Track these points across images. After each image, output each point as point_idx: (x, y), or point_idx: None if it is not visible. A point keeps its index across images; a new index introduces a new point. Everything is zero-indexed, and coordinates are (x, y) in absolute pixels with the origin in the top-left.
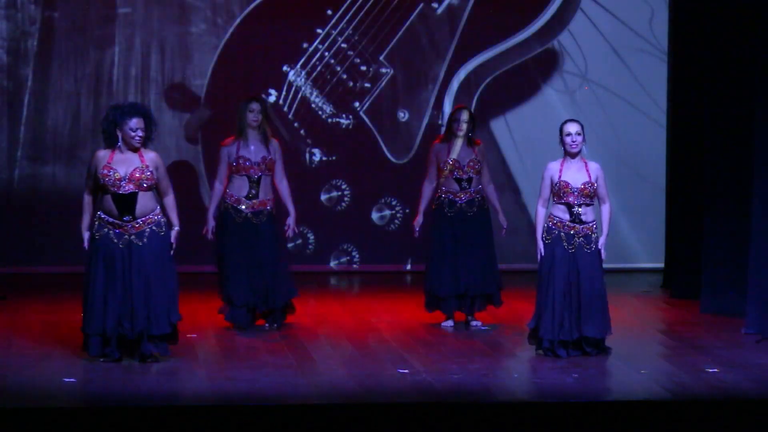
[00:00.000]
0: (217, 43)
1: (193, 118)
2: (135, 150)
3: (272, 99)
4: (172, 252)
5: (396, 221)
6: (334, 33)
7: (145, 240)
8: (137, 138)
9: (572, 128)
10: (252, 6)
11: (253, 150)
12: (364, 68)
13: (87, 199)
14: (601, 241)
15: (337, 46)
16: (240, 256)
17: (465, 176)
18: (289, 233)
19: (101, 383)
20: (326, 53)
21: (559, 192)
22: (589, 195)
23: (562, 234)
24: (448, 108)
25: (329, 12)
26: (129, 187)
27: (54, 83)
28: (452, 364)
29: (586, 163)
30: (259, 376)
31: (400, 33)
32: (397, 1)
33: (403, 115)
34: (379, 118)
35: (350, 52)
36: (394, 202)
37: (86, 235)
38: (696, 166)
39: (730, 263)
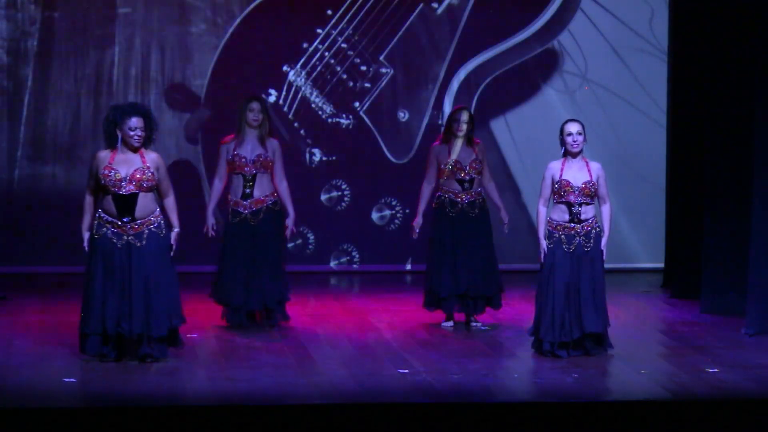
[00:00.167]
0: (217, 43)
1: (193, 118)
2: (135, 150)
3: (272, 99)
4: (171, 253)
5: (396, 221)
6: (334, 33)
7: (144, 241)
8: (136, 137)
9: (573, 128)
10: (252, 6)
11: (250, 148)
12: (364, 68)
13: (88, 200)
14: (603, 241)
15: (337, 46)
16: (238, 258)
17: (467, 177)
18: (287, 234)
19: (101, 383)
20: (326, 53)
21: (560, 191)
22: (590, 194)
23: (563, 236)
24: (448, 108)
25: (329, 12)
26: (130, 188)
27: (54, 83)
28: (452, 364)
29: (587, 162)
30: (259, 376)
31: (400, 33)
32: (397, 1)
33: (403, 115)
34: (379, 118)
35: (350, 52)
36: (394, 202)
37: (86, 235)
38: (696, 166)
39: (730, 263)
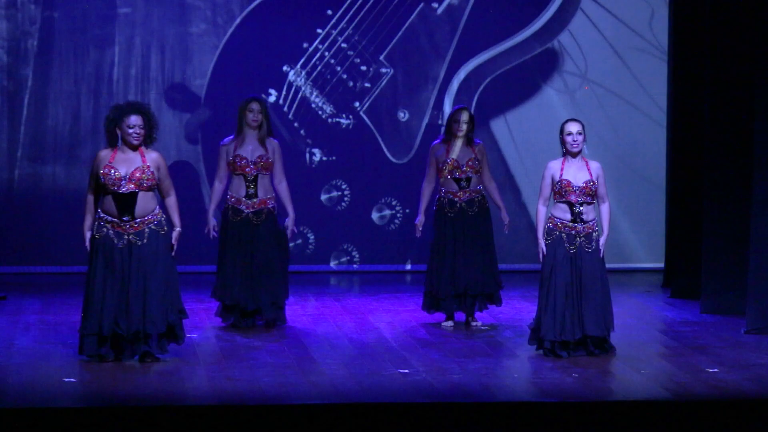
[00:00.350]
0: (217, 43)
1: (193, 118)
2: (134, 148)
3: (272, 99)
4: (173, 253)
5: (396, 221)
6: (335, 33)
7: (145, 240)
8: (135, 135)
9: (573, 128)
10: (252, 6)
11: (251, 149)
12: (364, 68)
13: (89, 200)
14: (602, 240)
15: (337, 46)
16: (237, 256)
17: (464, 176)
18: (288, 234)
19: (101, 383)
20: (326, 53)
21: (560, 191)
22: (591, 194)
23: (563, 235)
24: (448, 108)
25: (329, 12)
26: (129, 187)
27: (54, 83)
28: (452, 364)
29: (587, 162)
30: (259, 376)
31: (400, 33)
32: (397, 1)
33: (403, 115)
34: (379, 118)
35: (350, 52)
36: (394, 202)
37: (88, 235)
38: (696, 166)
39: (730, 263)
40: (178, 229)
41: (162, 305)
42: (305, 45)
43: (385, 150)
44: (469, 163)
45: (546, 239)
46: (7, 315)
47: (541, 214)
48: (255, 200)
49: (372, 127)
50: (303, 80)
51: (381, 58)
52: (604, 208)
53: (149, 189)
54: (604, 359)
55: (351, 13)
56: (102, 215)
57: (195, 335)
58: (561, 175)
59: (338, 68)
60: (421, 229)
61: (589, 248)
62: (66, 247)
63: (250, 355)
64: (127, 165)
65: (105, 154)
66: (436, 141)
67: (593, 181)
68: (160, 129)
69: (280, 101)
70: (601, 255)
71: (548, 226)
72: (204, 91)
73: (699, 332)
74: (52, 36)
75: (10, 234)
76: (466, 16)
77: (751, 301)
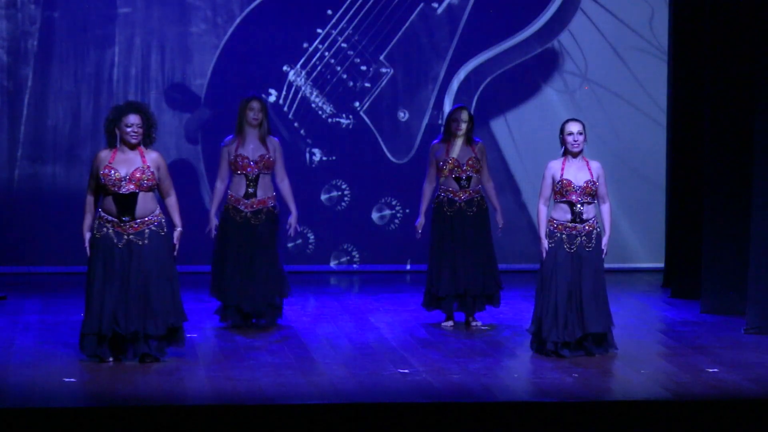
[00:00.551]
0: (217, 43)
1: (193, 118)
2: (133, 147)
3: (272, 99)
4: (175, 253)
5: (396, 221)
6: (335, 33)
7: (145, 240)
8: (133, 133)
9: (574, 128)
10: (252, 6)
11: (252, 148)
12: (364, 68)
13: (89, 200)
14: (604, 241)
15: (337, 45)
16: (235, 256)
17: (464, 175)
18: (291, 232)
19: (101, 383)
20: (326, 53)
21: (561, 190)
22: (591, 193)
23: (564, 236)
24: (448, 108)
25: (329, 12)
26: (129, 187)
27: (54, 83)
28: (452, 364)
29: (587, 161)
30: (259, 376)
31: (400, 33)
32: (397, 1)
33: (403, 115)
34: (379, 118)
35: (350, 52)
36: (394, 202)
37: (87, 235)
38: (696, 166)
39: (730, 263)
40: (179, 228)
41: (162, 307)
42: (305, 45)
43: (385, 150)
44: (470, 162)
45: (548, 242)
46: (7, 315)
47: (542, 213)
48: (254, 200)
49: (372, 127)
50: (303, 80)
51: (381, 58)
52: (605, 208)
53: (149, 189)
54: (604, 359)
55: (351, 13)
56: (102, 215)
57: (195, 335)
58: (562, 175)
59: (338, 68)
60: (420, 231)
61: (589, 247)
62: (66, 247)
63: (250, 355)
64: (127, 165)
65: (105, 154)
66: (436, 141)
67: (594, 181)
68: (160, 129)
69: (280, 101)
70: (604, 255)
71: (549, 229)
72: (204, 91)
73: (699, 332)
74: (52, 36)
75: (10, 234)
76: (466, 16)
77: (751, 301)
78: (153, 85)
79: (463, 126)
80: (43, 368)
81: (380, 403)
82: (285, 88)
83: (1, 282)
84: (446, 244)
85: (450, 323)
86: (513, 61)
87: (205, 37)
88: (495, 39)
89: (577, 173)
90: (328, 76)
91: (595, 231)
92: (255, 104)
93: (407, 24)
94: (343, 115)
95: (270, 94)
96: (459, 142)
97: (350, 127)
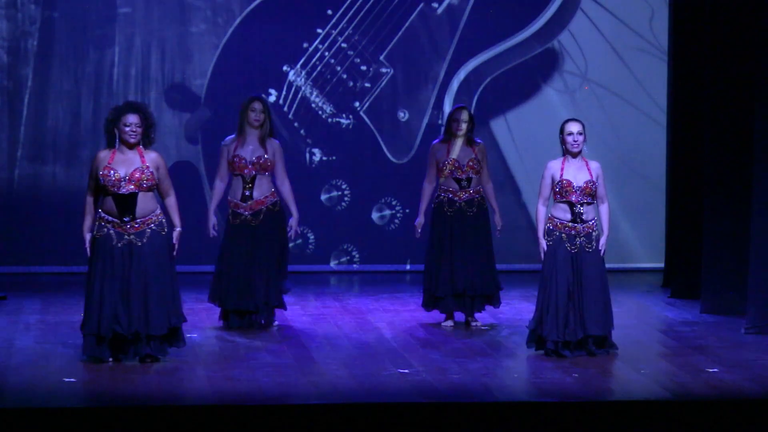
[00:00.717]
0: (217, 43)
1: (193, 118)
2: (131, 146)
3: (272, 99)
4: (174, 253)
5: (396, 221)
6: (334, 33)
7: (145, 240)
8: (131, 133)
9: (574, 128)
10: (252, 6)
11: (251, 149)
12: (364, 68)
13: (89, 201)
14: (602, 241)
15: (337, 45)
16: (238, 259)
17: (464, 176)
18: (291, 235)
19: (101, 383)
20: (326, 53)
21: (561, 191)
22: (591, 194)
23: (564, 235)
24: (448, 108)
25: (329, 12)
26: (129, 188)
27: (54, 83)
28: (452, 364)
29: (587, 162)
30: (259, 376)
31: (400, 33)
32: (397, 1)
33: (403, 115)
34: (379, 118)
35: (350, 52)
36: (394, 202)
37: (87, 236)
38: (696, 166)
39: (730, 263)
40: (178, 228)
41: (163, 307)
42: (305, 45)
43: (385, 150)
44: (470, 162)
45: (546, 240)
46: (7, 315)
47: (541, 214)
48: (251, 202)
49: (372, 127)
50: (303, 80)
51: (381, 58)
52: (604, 208)
53: (149, 189)
54: (604, 359)
55: (351, 13)
56: (103, 215)
57: (195, 335)
58: (561, 175)
59: (338, 68)
60: (420, 230)
61: (589, 248)
62: (66, 247)
63: (250, 355)
64: (126, 166)
65: (104, 155)
66: (436, 141)
67: (593, 181)
68: (160, 129)
69: (280, 101)
70: (602, 255)
71: (548, 227)
72: (204, 91)
73: (699, 332)
74: (52, 36)
75: (10, 234)
76: (466, 16)
77: (751, 301)
78: (153, 85)
79: (464, 126)
80: (43, 368)
81: (380, 403)
82: (285, 88)
83: (1, 282)
84: (445, 244)
85: (450, 323)
86: (513, 61)
87: (205, 37)
88: (495, 39)
89: (576, 173)
90: (328, 76)
91: (595, 232)
92: (257, 105)
93: (407, 24)
94: (343, 115)
95: (270, 94)
96: (459, 143)
97: (350, 127)
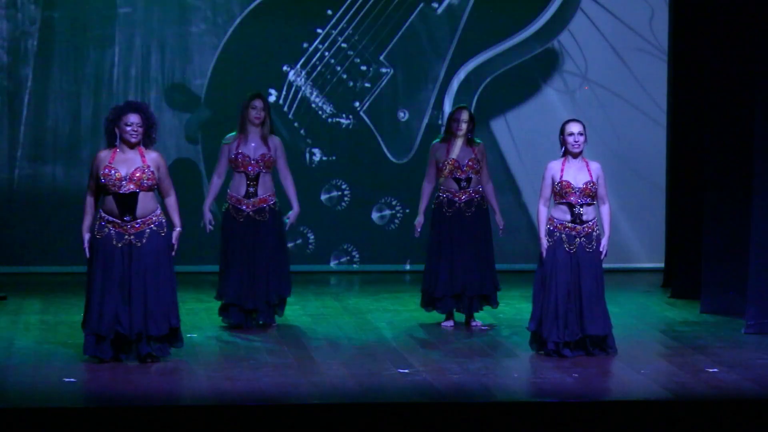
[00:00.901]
0: (217, 43)
1: (193, 118)
2: (132, 146)
3: (272, 99)
4: (173, 253)
5: (396, 221)
6: (334, 33)
7: (145, 240)
8: (132, 132)
9: (575, 128)
10: (252, 6)
11: (253, 147)
12: (364, 68)
13: (89, 201)
14: (603, 242)
15: (337, 46)
16: (240, 255)
17: (464, 176)
18: (287, 227)
19: (101, 383)
20: (326, 53)
21: (561, 192)
22: (591, 195)
23: (563, 236)
24: (448, 108)
25: (329, 12)
26: (130, 187)
27: (54, 83)
28: (452, 364)
29: (587, 162)
30: (259, 376)
31: (400, 33)
32: (397, 1)
33: (403, 115)
34: (379, 118)
35: (350, 52)
36: (394, 202)
37: (87, 236)
38: (696, 166)
39: (730, 263)
40: (178, 228)
41: (164, 307)
42: (305, 45)
43: (385, 150)
44: (470, 163)
45: (547, 241)
46: (7, 315)
47: (542, 214)
48: (255, 199)
49: (372, 127)
50: (303, 80)
51: (381, 58)
52: (605, 209)
53: (149, 189)
54: (604, 359)
55: (351, 13)
56: (103, 215)
57: (195, 335)
58: (561, 176)
59: (338, 68)
60: (419, 229)
61: (589, 248)
62: (66, 247)
63: (250, 355)
64: (127, 165)
65: (105, 154)
66: (436, 141)
67: (593, 182)
68: (160, 129)
69: (280, 101)
70: (603, 257)
71: (548, 228)
72: (204, 91)
73: (699, 332)
74: (52, 36)
75: (10, 234)
76: (466, 16)
77: (751, 301)
78: (153, 85)
79: (464, 126)
80: (43, 368)
81: (380, 403)
82: (285, 88)
83: (1, 282)
84: (445, 245)
85: (450, 323)
86: (513, 61)
87: (205, 37)
88: (495, 39)
89: (576, 174)
90: (328, 76)
91: (595, 233)
92: (258, 102)
93: (407, 24)
94: (343, 115)
95: (270, 94)
96: (459, 143)
97: (350, 127)
